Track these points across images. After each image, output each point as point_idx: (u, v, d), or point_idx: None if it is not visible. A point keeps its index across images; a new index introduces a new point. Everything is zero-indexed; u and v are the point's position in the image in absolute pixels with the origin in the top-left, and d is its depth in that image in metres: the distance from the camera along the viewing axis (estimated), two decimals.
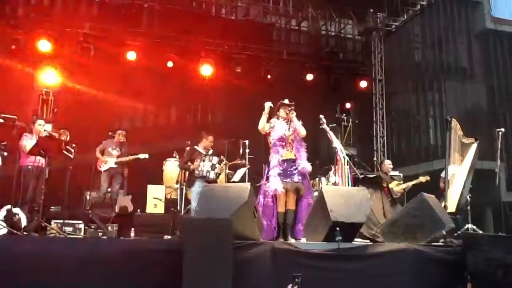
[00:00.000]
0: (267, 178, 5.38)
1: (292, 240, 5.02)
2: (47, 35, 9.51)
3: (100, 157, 7.75)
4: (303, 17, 12.78)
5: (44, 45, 9.44)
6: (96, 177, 8.03)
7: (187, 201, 7.54)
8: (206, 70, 10.55)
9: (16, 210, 5.56)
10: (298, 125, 5.53)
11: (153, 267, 3.89)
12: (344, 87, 11.85)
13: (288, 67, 11.55)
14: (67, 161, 6.18)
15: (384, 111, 12.17)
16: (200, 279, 3.61)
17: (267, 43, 12.22)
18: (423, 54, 19.37)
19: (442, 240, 5.00)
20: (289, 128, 5.52)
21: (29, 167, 6.25)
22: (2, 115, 6.08)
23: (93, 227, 6.58)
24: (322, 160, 8.97)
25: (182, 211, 7.39)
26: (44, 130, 6.48)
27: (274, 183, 5.26)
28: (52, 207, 7.29)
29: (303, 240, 5.05)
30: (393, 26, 12.40)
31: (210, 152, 7.36)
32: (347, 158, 5.89)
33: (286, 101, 5.62)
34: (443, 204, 6.09)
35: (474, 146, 6.72)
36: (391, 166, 8.36)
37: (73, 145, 6.20)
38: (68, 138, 6.24)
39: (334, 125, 7.87)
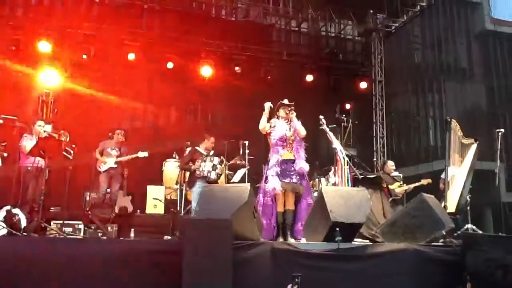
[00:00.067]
0: (266, 178, 5.38)
1: (291, 240, 5.02)
2: (47, 36, 9.49)
3: (100, 158, 7.74)
4: (303, 18, 12.79)
5: (44, 46, 9.42)
6: (96, 178, 8.02)
7: (187, 202, 7.54)
8: (206, 71, 10.54)
9: (16, 210, 5.54)
10: (298, 125, 5.53)
11: (152, 267, 3.89)
12: (344, 88, 11.86)
13: (288, 68, 11.55)
14: (67, 162, 6.19)
15: (384, 112, 12.17)
16: (200, 280, 3.61)
17: (267, 44, 12.22)
18: (422, 55, 19.41)
19: (441, 240, 5.00)
20: (289, 128, 5.52)
21: (29, 167, 6.24)
22: (2, 115, 6.10)
23: (92, 227, 6.57)
24: (322, 161, 8.97)
25: (182, 212, 7.38)
26: (44, 131, 6.48)
27: (272, 183, 5.27)
28: (52, 208, 7.28)
29: (303, 240, 5.05)
30: (393, 27, 12.40)
31: (212, 153, 7.36)
32: (346, 158, 5.90)
33: (286, 101, 5.63)
34: (443, 205, 6.09)
35: (473, 147, 6.72)
36: (394, 167, 8.37)
37: (73, 145, 6.22)
38: (68, 139, 6.25)
39: (334, 125, 7.87)
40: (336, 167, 6.11)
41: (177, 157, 8.60)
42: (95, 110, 9.76)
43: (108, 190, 7.83)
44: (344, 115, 10.77)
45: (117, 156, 7.83)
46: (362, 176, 6.70)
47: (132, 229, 6.60)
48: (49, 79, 9.39)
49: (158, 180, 8.71)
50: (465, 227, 6.53)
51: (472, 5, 20.00)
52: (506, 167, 16.72)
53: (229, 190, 4.62)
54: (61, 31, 9.79)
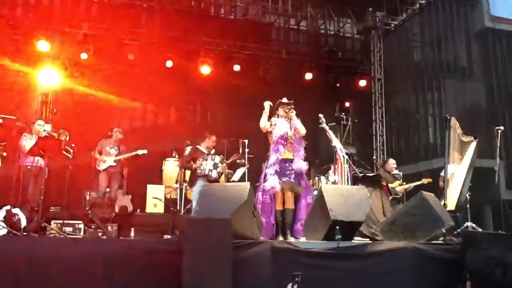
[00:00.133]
0: (265, 176, 5.39)
1: (291, 239, 5.02)
2: (47, 35, 9.49)
3: (98, 157, 7.72)
4: (302, 16, 12.79)
5: (43, 45, 9.42)
6: (96, 177, 8.02)
7: (187, 201, 7.54)
8: (205, 69, 10.55)
9: (16, 210, 5.55)
10: (298, 123, 5.52)
11: (152, 267, 3.89)
12: (343, 86, 11.84)
13: (287, 66, 11.55)
14: (67, 161, 6.19)
15: (383, 110, 12.16)
16: (200, 279, 3.61)
17: (266, 42, 12.22)
18: (422, 53, 19.40)
19: (441, 238, 4.99)
20: (290, 127, 5.51)
21: (29, 167, 6.23)
22: (2, 115, 6.09)
23: (92, 227, 6.57)
24: (321, 159, 8.97)
25: (182, 211, 7.39)
26: (44, 130, 6.46)
27: (271, 181, 5.27)
28: (52, 207, 7.28)
29: (303, 239, 5.05)
30: (392, 25, 12.38)
31: (213, 151, 7.36)
32: (346, 157, 5.89)
33: (285, 100, 5.63)
34: (442, 203, 6.09)
35: (473, 145, 6.72)
36: (395, 165, 8.36)
37: (73, 145, 6.22)
38: (67, 138, 6.25)
39: (334, 124, 7.89)
40: (336, 166, 6.11)
41: (177, 156, 8.59)
42: (94, 109, 9.76)
43: (107, 189, 7.83)
44: (343, 113, 10.77)
45: (116, 155, 7.83)
46: (362, 175, 6.71)
47: (132, 229, 6.59)
48: (49, 78, 9.38)
49: (158, 179, 8.71)
50: (465, 225, 6.54)
51: (471, 2, 19.99)
52: (505, 165, 16.73)
53: (228, 189, 4.62)
54: (61, 30, 9.79)
